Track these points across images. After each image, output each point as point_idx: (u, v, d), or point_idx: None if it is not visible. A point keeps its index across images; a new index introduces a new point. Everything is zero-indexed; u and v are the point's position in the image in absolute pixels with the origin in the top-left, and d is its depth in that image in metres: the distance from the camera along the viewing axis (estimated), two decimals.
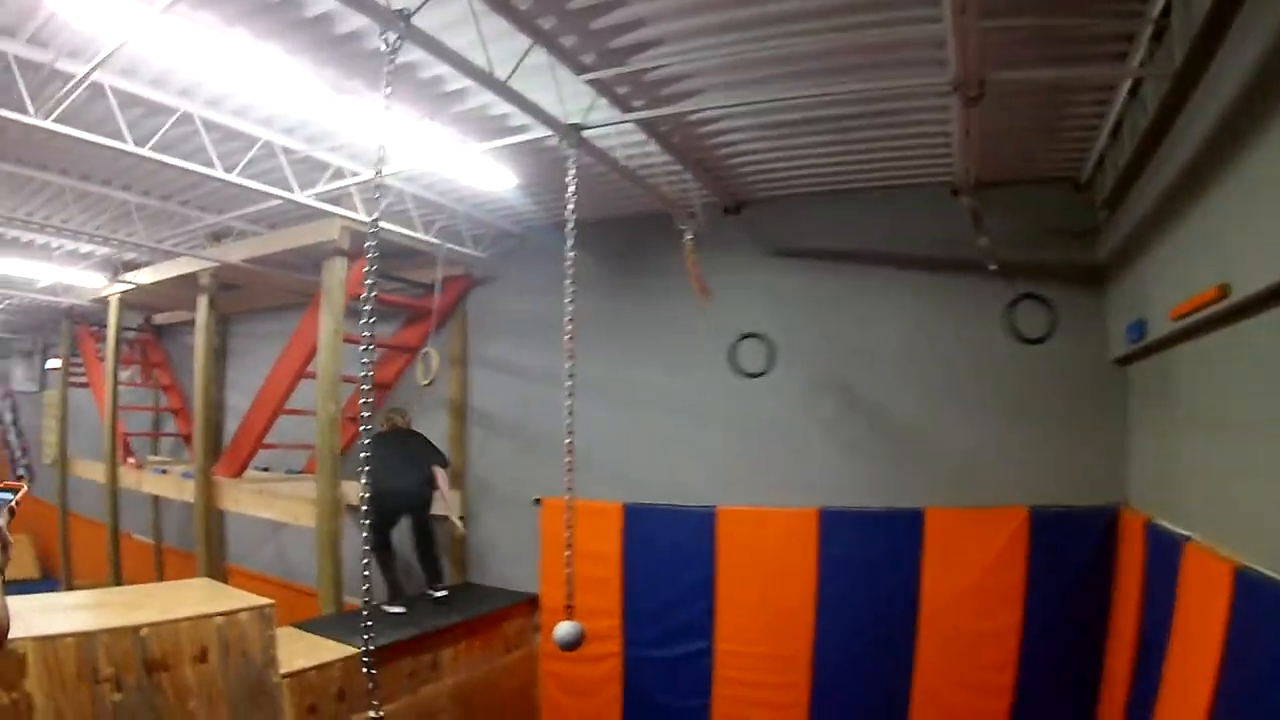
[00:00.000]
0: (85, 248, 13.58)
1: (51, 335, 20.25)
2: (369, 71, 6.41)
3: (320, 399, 9.93)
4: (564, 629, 6.93)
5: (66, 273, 14.23)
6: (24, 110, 6.81)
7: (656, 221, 9.46)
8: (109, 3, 5.14)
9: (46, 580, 21.00)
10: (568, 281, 6.90)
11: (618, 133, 7.64)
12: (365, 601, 4.78)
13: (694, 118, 7.61)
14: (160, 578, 17.11)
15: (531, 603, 10.37)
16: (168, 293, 14.30)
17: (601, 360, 9.63)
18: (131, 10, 5.24)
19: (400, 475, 9.73)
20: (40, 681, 5.35)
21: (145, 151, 7.68)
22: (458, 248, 10.89)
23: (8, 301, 18.44)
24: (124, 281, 14.12)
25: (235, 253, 11.70)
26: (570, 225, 6.91)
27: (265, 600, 7.10)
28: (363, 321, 4.89)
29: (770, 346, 8.96)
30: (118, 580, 14.84)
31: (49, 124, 6.97)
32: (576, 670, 9.72)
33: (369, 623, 4.71)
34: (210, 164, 8.19)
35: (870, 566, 8.80)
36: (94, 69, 6.36)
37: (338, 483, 9.84)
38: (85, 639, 5.65)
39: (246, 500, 11.68)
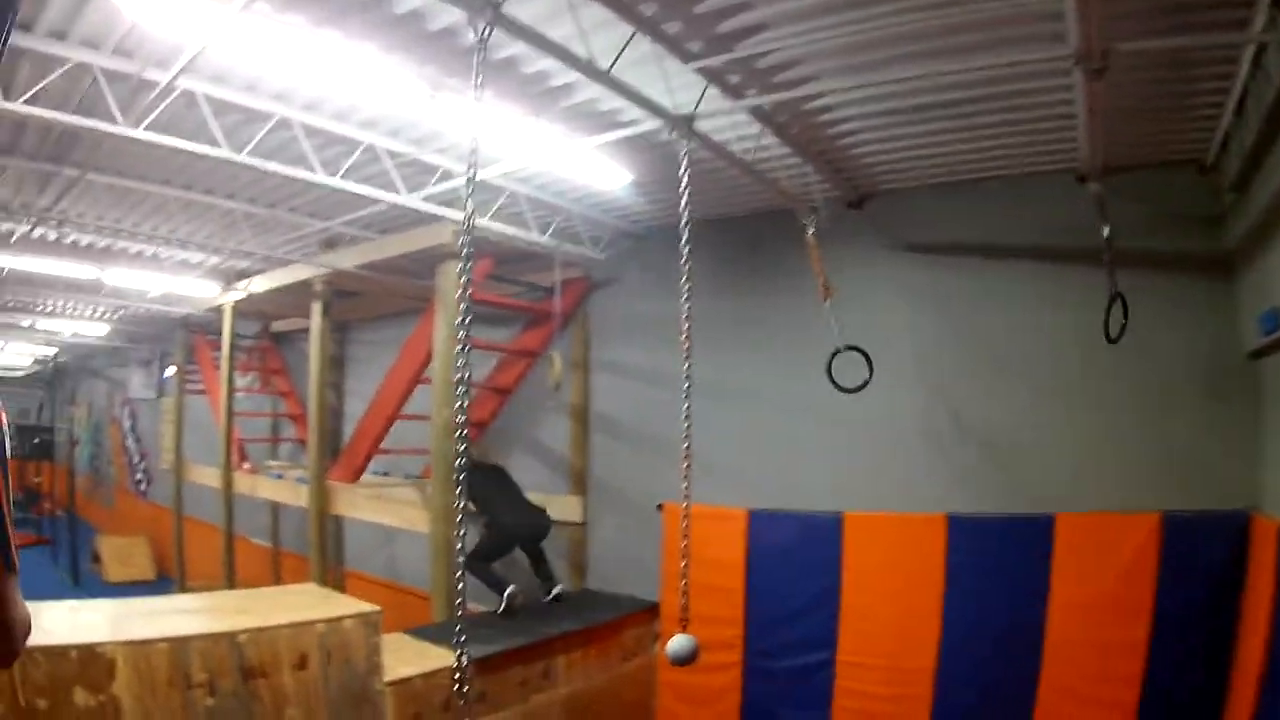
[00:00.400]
0: (196, 257, 13.69)
1: (168, 344, 20.53)
2: (469, 69, 6.29)
3: (435, 404, 9.85)
4: (678, 643, 6.70)
5: (179, 282, 14.35)
6: (114, 121, 6.85)
7: (776, 218, 9.26)
8: (185, 6, 5.07)
9: (162, 580, 21.63)
10: (684, 281, 6.71)
11: (733, 125, 7.40)
12: (458, 616, 4.69)
13: (810, 106, 7.31)
14: (277, 581, 17.32)
15: (652, 611, 10.12)
16: (282, 300, 14.42)
17: (724, 362, 9.56)
18: (210, 13, 5.18)
19: (518, 509, 9.98)
20: (129, 685, 5.28)
21: (240, 157, 7.68)
22: (575, 248, 10.77)
23: (123, 312, 18.77)
24: (237, 290, 14.27)
25: (347, 259, 11.72)
26: (684, 221, 6.70)
27: (371, 607, 6.99)
28: (458, 321, 4.70)
29: (894, 346, 8.69)
30: (231, 583, 15.02)
31: (139, 133, 6.99)
32: (696, 680, 9.29)
33: (462, 637, 4.53)
34: (311, 170, 8.20)
35: (998, 575, 8.35)
36: (177, 75, 6.35)
37: (452, 488, 9.65)
38: (179, 644, 5.58)
39: (361, 505, 11.66)
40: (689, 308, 6.78)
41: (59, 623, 5.40)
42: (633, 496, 10.86)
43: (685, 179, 6.63)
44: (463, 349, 4.62)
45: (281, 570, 17.68)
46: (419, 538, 10.78)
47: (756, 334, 10.07)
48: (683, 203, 6.68)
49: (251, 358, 17.86)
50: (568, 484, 11.78)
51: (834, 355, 8.24)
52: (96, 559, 22.98)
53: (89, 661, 5.12)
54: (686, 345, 6.77)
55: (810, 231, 8.39)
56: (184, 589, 17.27)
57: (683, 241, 6.73)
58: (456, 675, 4.37)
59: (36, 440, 29.83)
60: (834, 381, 8.24)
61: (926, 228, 9.13)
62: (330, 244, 12.38)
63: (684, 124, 6.65)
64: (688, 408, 6.80)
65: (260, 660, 5.99)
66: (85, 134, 7.92)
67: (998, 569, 8.35)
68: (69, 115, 6.79)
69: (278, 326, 17.81)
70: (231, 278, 14.50)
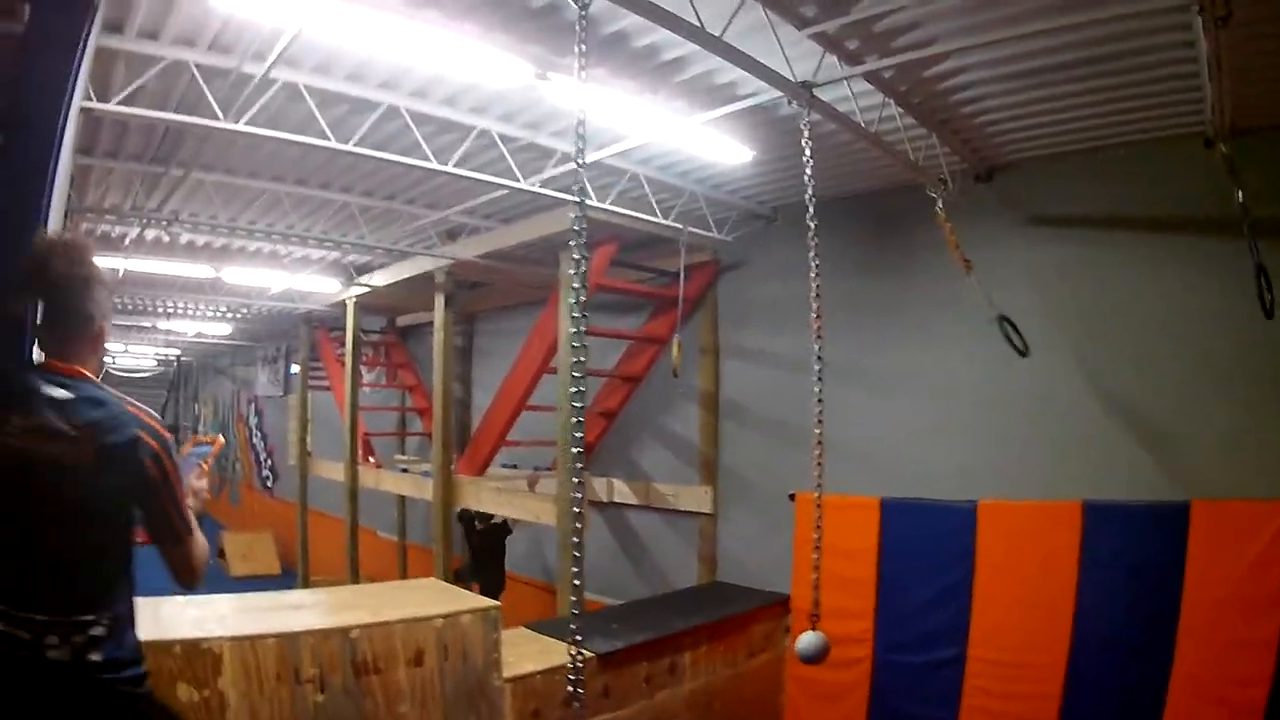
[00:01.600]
0: (316, 253, 13.78)
1: (293, 341, 20.73)
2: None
3: (560, 394, 9.69)
4: (808, 640, 6.54)
5: (299, 279, 14.45)
6: (215, 118, 6.77)
7: (903, 195, 8.88)
8: None
9: (286, 575, 21.98)
10: (811, 255, 6.50)
11: (853, 96, 7.02)
12: (573, 614, 4.41)
13: (932, 72, 6.91)
14: (403, 575, 17.41)
15: (783, 604, 9.76)
16: (405, 294, 14.33)
17: (853, 344, 9.27)
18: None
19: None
20: (236, 680, 5.15)
21: (348, 148, 7.52)
22: (701, 232, 10.43)
23: (245, 311, 18.94)
24: (359, 284, 14.28)
25: (469, 249, 11.61)
26: (809, 194, 6.44)
27: (490, 602, 6.78)
28: (572, 302, 4.38)
29: (1026, 325, 8.19)
30: (355, 577, 15.13)
31: (240, 127, 6.88)
32: (824, 675, 8.82)
33: (578, 637, 4.28)
34: (423, 159, 8.04)
35: (1133, 566, 7.82)
36: (271, 66, 6.23)
37: (579, 479, 9.47)
38: (288, 640, 5.43)
39: (487, 498, 11.51)
40: (818, 288, 6.56)
41: (168, 618, 5.24)
42: (764, 485, 10.51)
43: (808, 151, 6.35)
44: (578, 331, 4.31)
45: (409, 564, 17.75)
46: (546, 529, 10.69)
47: (885, 315, 9.69)
48: (806, 174, 6.40)
49: (377, 352, 17.91)
50: (697, 473, 11.50)
51: (1001, 322, 8.01)
52: (221, 554, 23.11)
53: (194, 656, 5.03)
54: (817, 327, 6.54)
55: (939, 205, 8.06)
56: (307, 583, 17.58)
57: (809, 215, 6.49)
58: (572, 672, 4.10)
59: None
60: (1011, 342, 8.00)
61: (1054, 200, 8.65)
62: (451, 235, 12.30)
63: (804, 92, 6.30)
64: (820, 392, 6.59)
65: (373, 656, 5.84)
66: (189, 133, 7.94)
67: (1133, 559, 7.83)
68: (168, 114, 6.76)
69: (403, 320, 17.81)
70: (352, 272, 14.50)
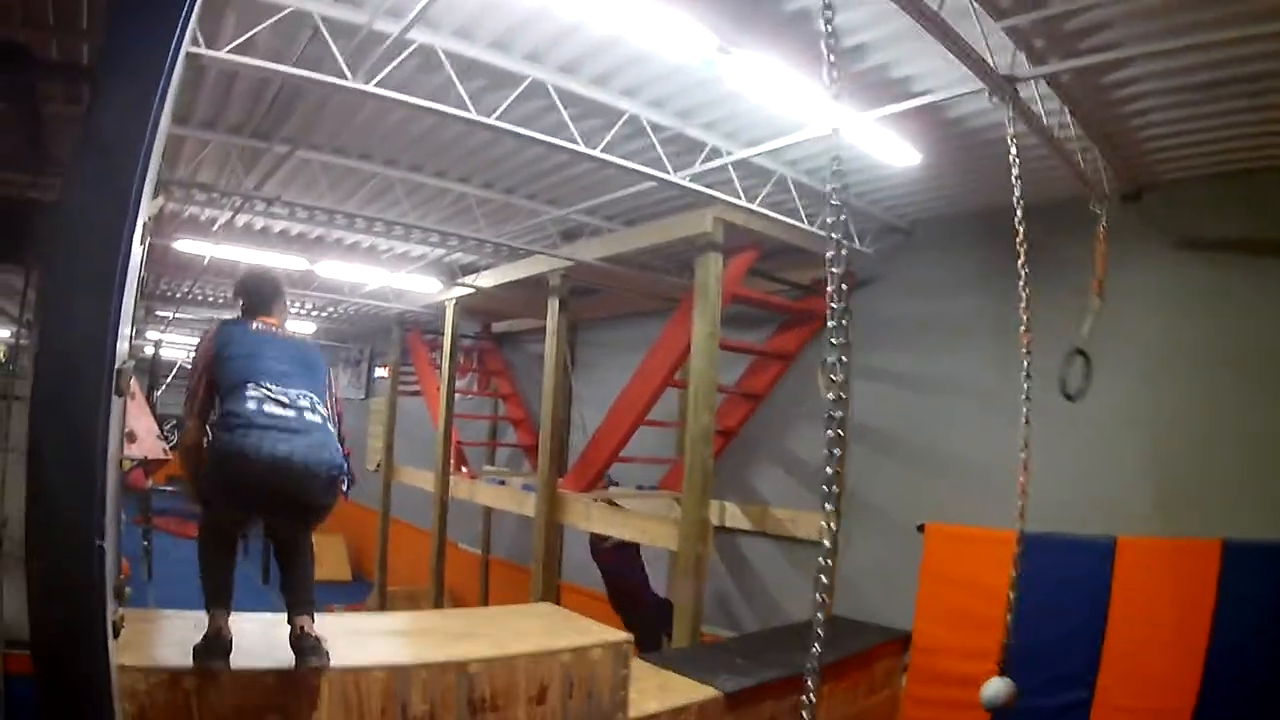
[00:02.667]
0: (417, 250, 13.22)
1: (379, 343, 20.45)
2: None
3: (692, 409, 9.04)
4: (995, 688, 6.30)
5: (398, 277, 13.88)
6: (341, 77, 6.14)
7: (1045, 212, 7.99)
8: None
9: (357, 582, 22.28)
10: (1021, 265, 6.34)
11: (1040, 98, 6.49)
12: (816, 634, 3.89)
13: (1109, 79, 6.40)
14: (485, 589, 17.20)
15: (903, 640, 9.17)
16: (509, 298, 13.94)
17: (995, 368, 8.68)
18: None
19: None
20: (333, 716, 4.61)
21: (492, 120, 6.86)
22: (846, 242, 9.68)
23: (333, 308, 18.53)
24: (463, 285, 13.69)
25: (590, 251, 10.97)
26: (1016, 196, 6.16)
27: (622, 635, 6.14)
28: (834, 333, 3.91)
29: (1161, 352, 7.85)
30: (440, 590, 14.72)
31: (371, 88, 6.24)
32: (945, 716, 8.44)
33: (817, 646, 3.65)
34: (564, 143, 7.40)
35: (1272, 609, 7.34)
36: (411, 24, 5.70)
37: (707, 502, 8.95)
38: (397, 674, 4.83)
39: (597, 517, 10.85)
40: (1026, 299, 6.38)
41: (253, 639, 4.67)
42: (892, 515, 9.88)
43: (1014, 149, 5.98)
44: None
45: (491, 578, 17.39)
46: (653, 555, 10.39)
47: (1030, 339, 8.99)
48: (1014, 174, 6.07)
49: (470, 358, 17.42)
50: (817, 497, 10.67)
51: (1073, 356, 7.44)
52: None
53: (288, 688, 4.48)
54: (1026, 350, 6.17)
55: (1103, 222, 7.51)
56: (384, 593, 17.20)
57: (1016, 218, 6.25)
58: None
59: None
60: (1063, 381, 7.42)
61: (1202, 223, 8.09)
62: (568, 236, 11.71)
63: (1008, 86, 5.81)
64: (1026, 424, 6.19)
65: (492, 693, 5.22)
66: (300, 104, 7.39)
67: (1273, 602, 7.36)
68: (286, 66, 6.06)
69: (499, 326, 17.36)
70: (454, 272, 13.93)
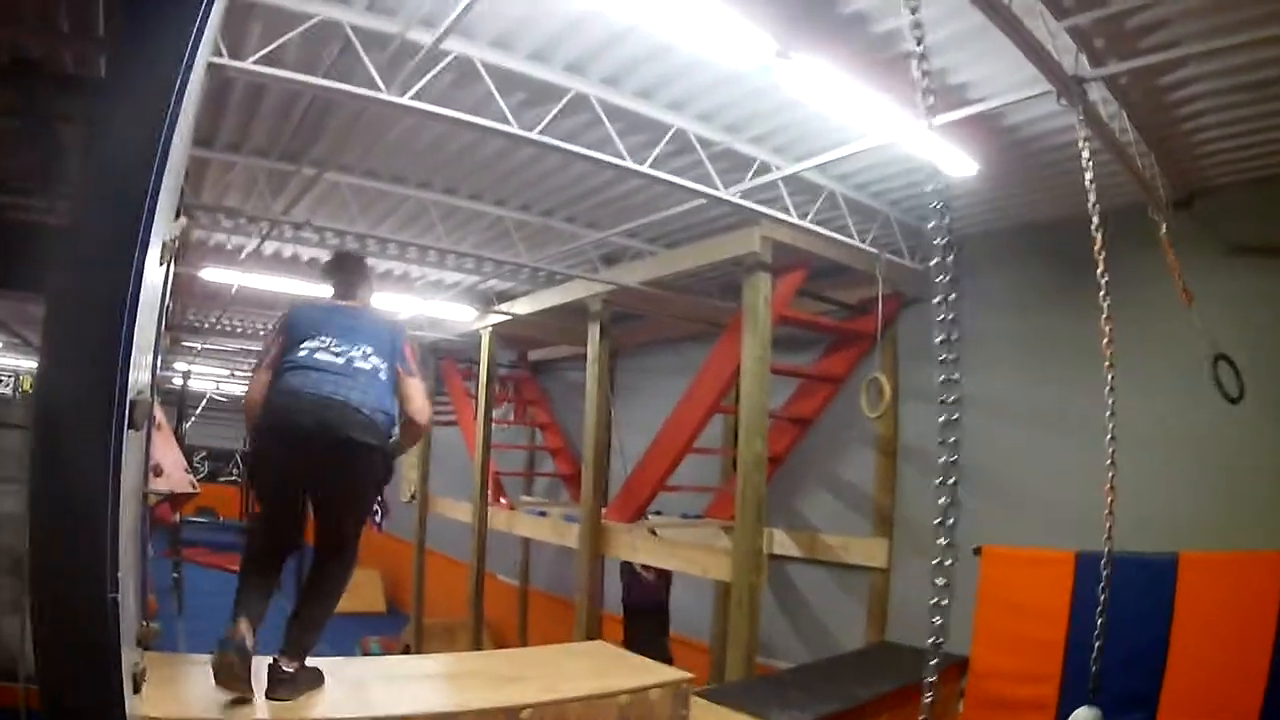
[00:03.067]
0: (451, 277, 12.95)
1: None
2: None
3: (744, 435, 8.71)
4: (1084, 716, 5.97)
5: (431, 305, 13.56)
6: (374, 88, 5.84)
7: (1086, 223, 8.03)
8: None
9: (392, 614, 22.16)
10: (1101, 273, 5.94)
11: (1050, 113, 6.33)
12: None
13: (1166, 80, 6.17)
14: (523, 621, 17.00)
15: (959, 666, 8.79)
16: (547, 324, 13.65)
17: (1039, 384, 8.81)
18: None
19: None
20: None
21: (535, 135, 6.53)
22: (896, 259, 9.47)
23: None
24: (499, 312, 13.43)
25: (633, 274, 10.66)
26: (1093, 202, 5.66)
27: (683, 674, 5.80)
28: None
29: (1236, 367, 7.31)
30: (479, 624, 14.44)
31: (406, 100, 5.92)
32: None
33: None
34: (611, 159, 7.08)
35: None
36: (445, 33, 5.41)
37: (761, 531, 8.63)
38: None
39: (644, 548, 10.53)
40: (1108, 310, 6.04)
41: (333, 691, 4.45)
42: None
43: (1086, 152, 5.59)
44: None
45: (530, 610, 17.12)
46: (692, 582, 10.14)
47: (1072, 353, 8.75)
48: (1087, 178, 5.61)
49: (505, 387, 17.12)
50: (870, 524, 10.58)
51: (1216, 362, 7.13)
52: None
53: None
54: (1109, 364, 6.04)
55: (1163, 230, 7.19)
56: (419, 625, 16.92)
57: (1094, 225, 5.72)
58: None
59: None
60: (1220, 385, 7.11)
61: (1255, 227, 7.87)
62: (607, 261, 11.43)
63: (1077, 88, 5.46)
64: (1113, 440, 6.07)
65: None
66: (329, 124, 7.23)
67: None
68: (316, 78, 5.77)
69: (535, 354, 17.14)
70: (490, 300, 13.68)
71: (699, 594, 12.06)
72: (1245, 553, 7.46)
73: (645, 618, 11.49)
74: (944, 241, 3.51)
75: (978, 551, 8.60)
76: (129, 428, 2.07)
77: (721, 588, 11.42)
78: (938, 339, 3.64)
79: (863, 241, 8.99)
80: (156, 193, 2.10)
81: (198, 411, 24.10)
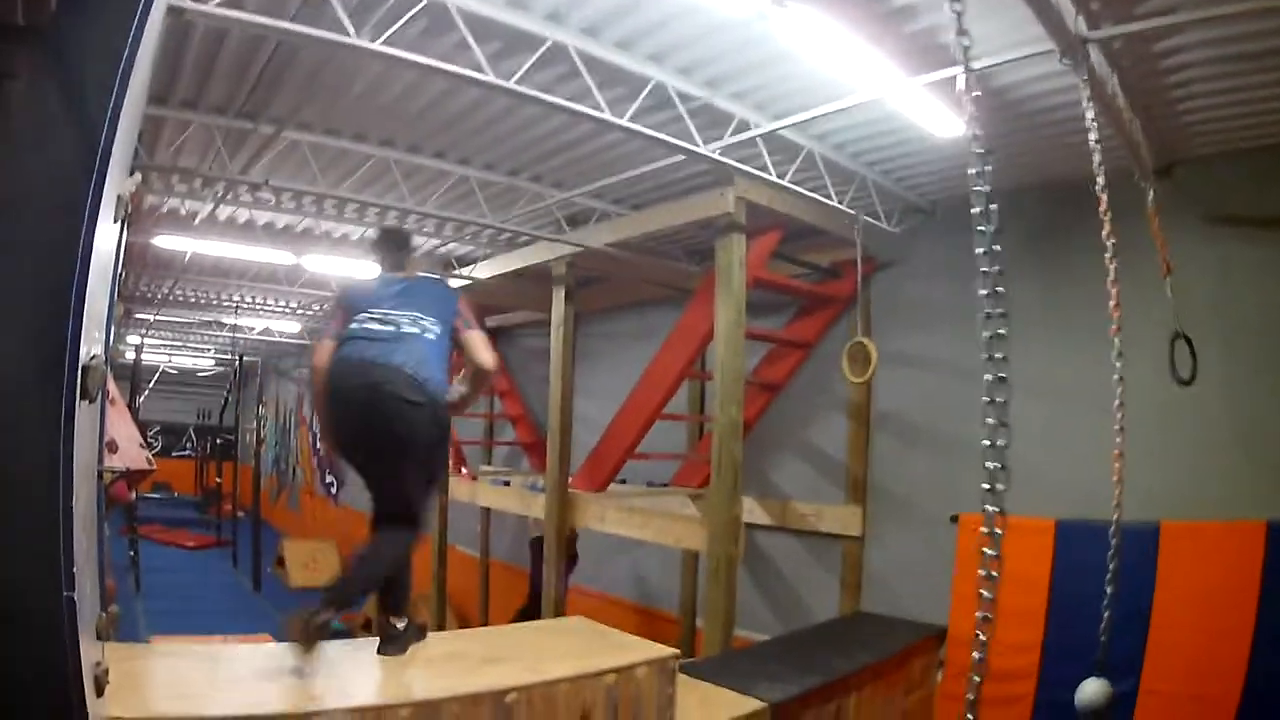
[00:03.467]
0: (412, 242, 12.47)
1: None
2: None
3: (720, 401, 8.47)
4: (1091, 689, 6.12)
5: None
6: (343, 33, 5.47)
7: (1072, 189, 7.84)
8: None
9: None
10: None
11: (1059, 71, 5.94)
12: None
13: (1160, 46, 6.02)
14: (485, 593, 16.81)
15: (938, 637, 8.70)
16: (507, 290, 13.39)
17: (1024, 352, 8.05)
18: None
19: None
20: None
21: (511, 84, 6.19)
22: (873, 221, 9.26)
23: (320, 305, 17.90)
24: (458, 277, 13.03)
25: (601, 236, 10.35)
26: (1098, 166, 5.50)
27: (668, 650, 5.46)
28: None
29: (1203, 332, 7.21)
30: (442, 597, 14.46)
31: (378, 46, 5.60)
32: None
33: None
34: (592, 111, 6.76)
35: None
36: None
37: (737, 500, 8.42)
38: (425, 710, 4.09)
39: (612, 518, 10.26)
40: (1114, 273, 5.89)
41: (239, 672, 4.17)
42: (922, 506, 9.57)
43: (1091, 114, 5.42)
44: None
45: (491, 581, 16.90)
46: (659, 551, 10.20)
47: (1059, 320, 8.79)
48: (1092, 139, 5.44)
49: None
50: (843, 492, 10.42)
51: (1174, 340, 7.01)
52: (280, 562, 22.57)
53: None
54: (1116, 327, 5.87)
55: (1150, 198, 7.01)
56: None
57: (1098, 186, 5.64)
58: None
59: (219, 440, 30.47)
60: (1173, 365, 7.00)
61: (1238, 198, 7.76)
62: (572, 223, 11.06)
63: (1080, 46, 5.25)
64: (1121, 406, 5.84)
65: None
66: (289, 78, 6.92)
67: None
68: (284, 21, 5.40)
69: (494, 321, 16.58)
70: (449, 265, 13.32)
71: (666, 563, 11.87)
72: (1226, 523, 7.47)
73: None
74: (985, 192, 3.15)
75: (955, 519, 8.58)
76: (81, 398, 1.79)
77: (689, 557, 11.35)
78: (983, 292, 3.82)
79: (841, 202, 8.78)
80: (111, 142, 1.86)
81: (151, 385, 23.69)
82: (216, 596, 19.84)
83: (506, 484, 13.28)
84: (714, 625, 8.43)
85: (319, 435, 6.35)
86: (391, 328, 4.70)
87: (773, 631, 9.92)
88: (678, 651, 5.52)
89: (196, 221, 10.79)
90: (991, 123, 6.89)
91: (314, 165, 8.84)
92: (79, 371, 1.76)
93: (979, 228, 3.77)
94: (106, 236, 2.00)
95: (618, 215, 10.37)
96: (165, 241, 11.20)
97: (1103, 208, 5.60)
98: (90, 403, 1.88)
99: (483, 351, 5.02)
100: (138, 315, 18.92)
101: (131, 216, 4.08)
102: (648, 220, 9.71)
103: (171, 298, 17.17)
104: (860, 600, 10.12)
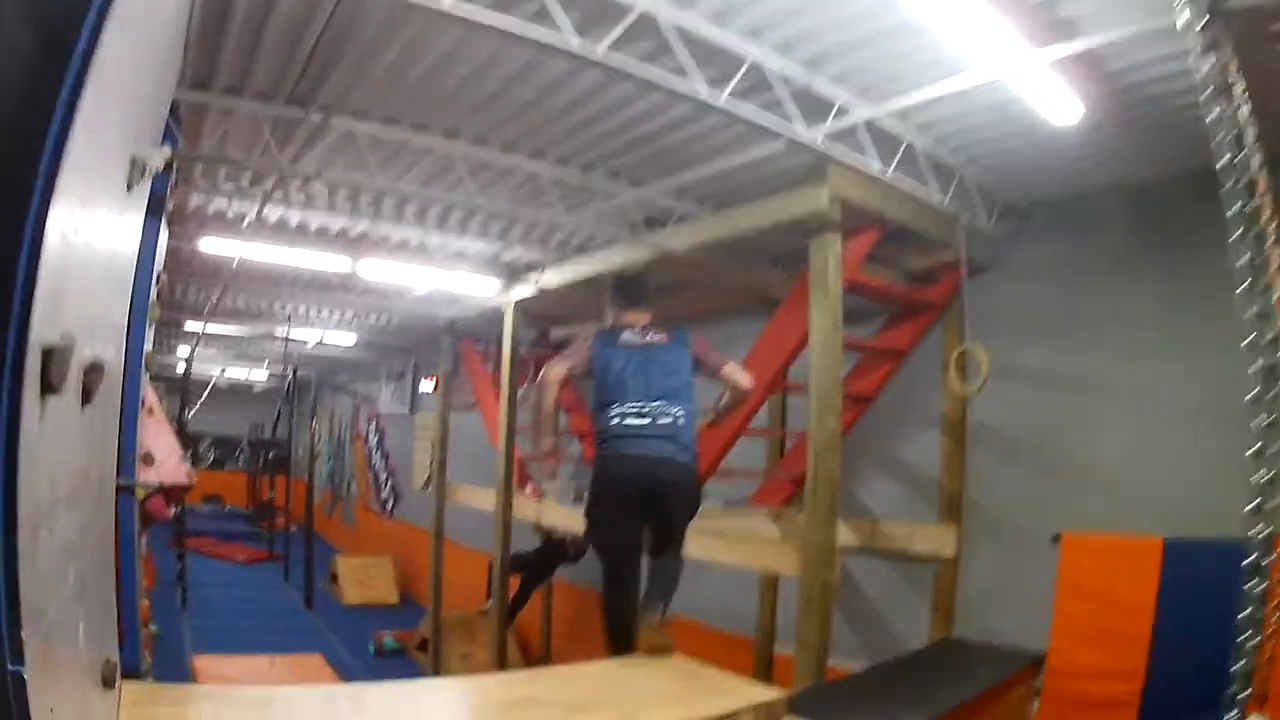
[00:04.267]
0: (473, 246, 11.86)
1: (424, 354, 19.82)
2: None
3: (816, 413, 7.78)
4: None
5: (452, 277, 12.52)
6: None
7: (1181, 184, 7.54)
8: None
9: (406, 605, 21.49)
10: None
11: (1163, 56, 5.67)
12: None
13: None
14: (548, 616, 16.52)
15: (1035, 664, 8.04)
16: (575, 298, 12.74)
17: (1132, 360, 8.13)
18: None
19: None
20: None
21: (600, 54, 5.66)
22: (971, 224, 8.70)
23: (376, 317, 17.57)
24: (528, 283, 12.36)
25: (682, 238, 9.56)
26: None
27: (775, 693, 4.91)
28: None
29: None
30: (503, 618, 13.58)
31: (447, 6, 5.04)
32: None
33: None
34: (684, 92, 6.25)
35: None
36: None
37: (834, 522, 7.77)
38: None
39: (698, 542, 9.46)
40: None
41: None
42: (1019, 525, 8.91)
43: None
44: None
45: (554, 600, 16.50)
46: (737, 572, 9.39)
47: (1169, 325, 8.15)
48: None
49: (527, 368, 16.10)
50: (935, 509, 9.74)
51: None
52: (333, 578, 22.26)
53: None
54: None
55: (1261, 189, 6.36)
56: (437, 619, 16.12)
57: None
58: None
59: (271, 454, 30.46)
60: None
61: None
62: (649, 225, 10.30)
63: (1218, 21, 4.63)
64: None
65: None
66: (342, 61, 6.45)
67: None
68: None
69: (558, 333, 16.09)
70: (514, 272, 12.63)
71: (742, 584, 11.26)
72: None
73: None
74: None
75: (1057, 539, 7.88)
76: (47, 392, 1.25)
77: (768, 578, 10.90)
78: (1237, 261, 3.36)
79: (938, 203, 8.24)
80: (90, 54, 1.41)
81: (203, 397, 23.65)
82: (266, 613, 19.55)
83: (578, 501, 12.63)
84: (806, 657, 7.73)
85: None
86: (650, 420, 5.66)
87: (859, 659, 9.42)
88: (786, 694, 5.08)
89: (245, 225, 10.30)
90: (1100, 111, 6.40)
91: (371, 160, 8.21)
92: (29, 354, 1.22)
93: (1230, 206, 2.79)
94: (93, 184, 1.58)
95: (696, 217, 9.72)
96: (212, 245, 10.66)
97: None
98: (55, 394, 1.32)
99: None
100: (186, 328, 18.51)
101: (172, 215, 3.67)
102: (734, 221, 8.95)
103: (220, 307, 16.65)
104: (953, 625, 9.46)
